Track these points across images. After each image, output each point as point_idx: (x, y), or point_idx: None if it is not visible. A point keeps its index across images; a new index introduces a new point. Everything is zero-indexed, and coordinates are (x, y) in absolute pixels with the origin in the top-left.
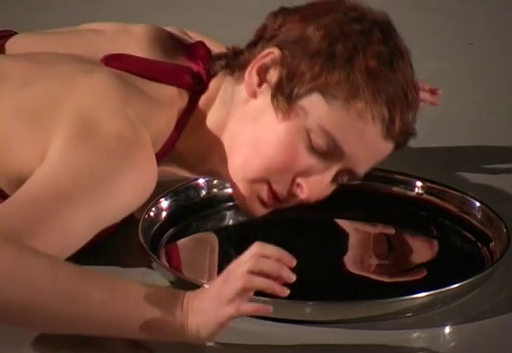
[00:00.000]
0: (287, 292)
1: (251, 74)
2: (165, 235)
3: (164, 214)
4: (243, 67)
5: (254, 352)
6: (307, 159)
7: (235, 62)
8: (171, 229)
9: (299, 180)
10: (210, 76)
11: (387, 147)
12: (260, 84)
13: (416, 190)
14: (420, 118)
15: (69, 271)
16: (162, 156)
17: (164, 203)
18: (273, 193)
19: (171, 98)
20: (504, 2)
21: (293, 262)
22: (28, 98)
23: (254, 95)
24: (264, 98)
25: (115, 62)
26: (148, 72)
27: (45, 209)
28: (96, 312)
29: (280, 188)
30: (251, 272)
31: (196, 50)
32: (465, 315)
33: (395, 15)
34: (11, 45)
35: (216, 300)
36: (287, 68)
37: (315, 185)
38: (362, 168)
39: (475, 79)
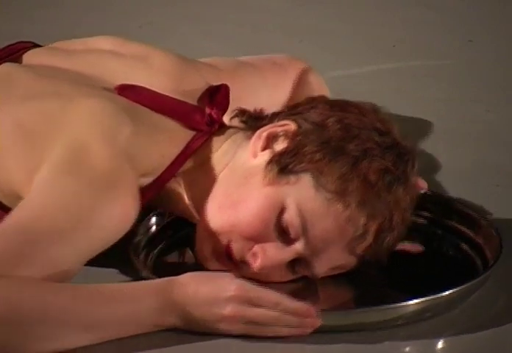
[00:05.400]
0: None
1: (260, 137)
2: (156, 250)
3: (153, 229)
4: (258, 128)
5: None
6: (272, 232)
7: (253, 122)
8: (162, 244)
9: (256, 249)
10: (221, 119)
11: (349, 259)
12: (263, 149)
13: None
14: (419, 115)
15: (58, 292)
16: (157, 187)
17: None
18: (228, 250)
19: (173, 133)
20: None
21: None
22: (27, 113)
23: (255, 156)
24: (261, 161)
25: (129, 92)
26: (158, 106)
27: (30, 243)
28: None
29: (237, 248)
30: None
31: (216, 93)
32: (457, 327)
33: (395, 12)
34: (28, 57)
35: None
36: (294, 143)
37: (270, 259)
38: (320, 265)
39: (475, 77)
